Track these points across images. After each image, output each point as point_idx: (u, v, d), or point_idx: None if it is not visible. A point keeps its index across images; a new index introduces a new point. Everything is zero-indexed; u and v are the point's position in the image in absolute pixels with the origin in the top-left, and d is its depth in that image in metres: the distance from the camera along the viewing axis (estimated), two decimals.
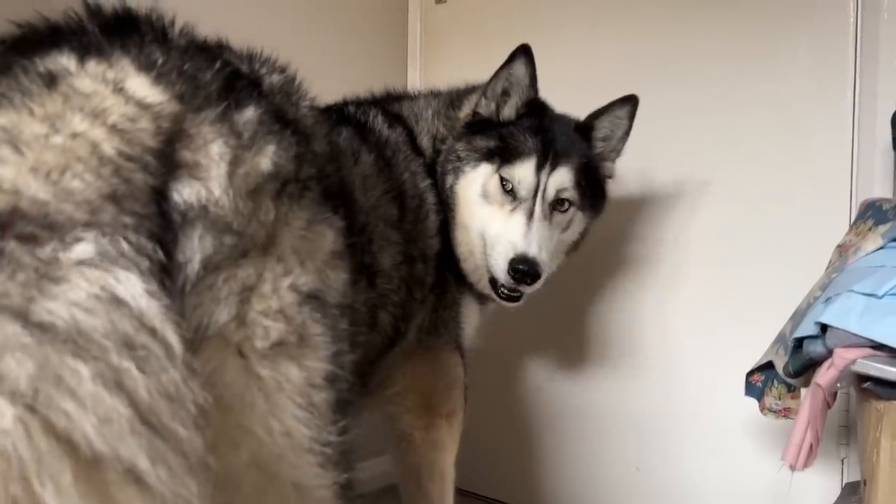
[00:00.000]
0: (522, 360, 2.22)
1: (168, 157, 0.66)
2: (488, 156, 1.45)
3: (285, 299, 0.73)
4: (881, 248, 1.16)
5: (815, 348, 1.15)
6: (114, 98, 0.66)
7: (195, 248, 0.66)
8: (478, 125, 1.48)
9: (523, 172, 1.44)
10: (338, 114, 1.38)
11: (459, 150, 1.46)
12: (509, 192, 1.44)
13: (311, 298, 0.76)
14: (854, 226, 1.35)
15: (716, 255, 1.85)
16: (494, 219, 1.43)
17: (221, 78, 0.75)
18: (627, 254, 2.00)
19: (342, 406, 0.79)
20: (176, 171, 0.66)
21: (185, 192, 0.66)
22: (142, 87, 0.68)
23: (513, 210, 1.43)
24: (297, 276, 0.74)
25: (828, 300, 1.14)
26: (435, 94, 1.58)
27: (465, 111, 1.51)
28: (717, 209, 1.85)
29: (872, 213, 1.30)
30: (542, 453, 2.17)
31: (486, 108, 1.49)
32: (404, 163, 1.35)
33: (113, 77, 0.68)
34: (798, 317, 1.27)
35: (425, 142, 1.48)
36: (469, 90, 1.56)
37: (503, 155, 1.45)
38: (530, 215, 1.42)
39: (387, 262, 1.21)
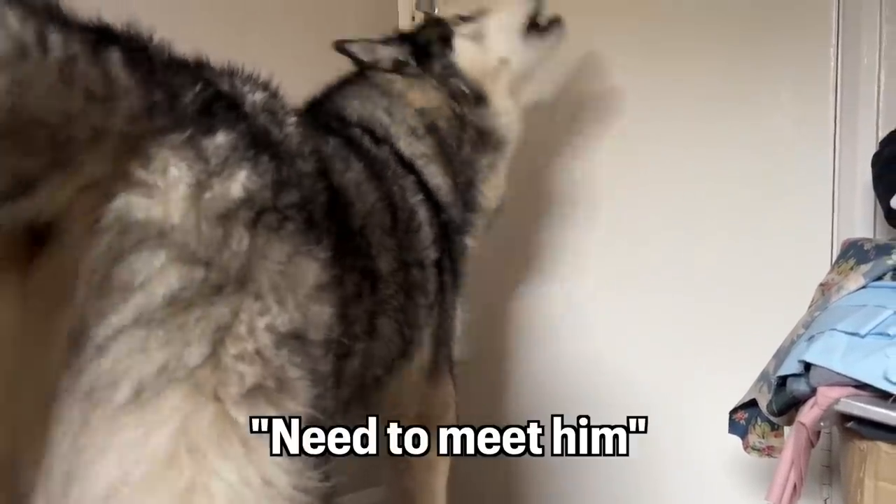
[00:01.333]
0: (503, 402, 2.20)
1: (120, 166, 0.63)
2: (443, 39, 1.52)
3: (262, 341, 0.69)
4: (863, 287, 1.17)
5: (799, 387, 1.15)
6: None
7: (151, 275, 0.63)
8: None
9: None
10: (321, 126, 1.34)
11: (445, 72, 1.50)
12: (466, 20, 1.55)
13: (291, 339, 0.72)
14: (836, 265, 1.36)
15: (697, 293, 1.85)
16: (496, 21, 1.54)
17: (199, 100, 0.72)
18: (604, 292, 2.01)
19: (326, 450, 0.76)
20: (127, 185, 0.63)
21: (135, 207, 0.63)
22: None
23: (482, 15, 1.55)
24: (276, 316, 0.70)
25: (811, 338, 1.15)
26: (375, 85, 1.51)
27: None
28: (697, 247, 1.86)
29: (854, 253, 1.32)
30: (527, 488, 2.15)
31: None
32: (392, 177, 1.34)
33: None
34: (781, 355, 1.27)
35: (406, 150, 1.45)
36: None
37: (441, 27, 1.55)
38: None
39: (384, 268, 1.19)
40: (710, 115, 1.85)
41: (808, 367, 1.12)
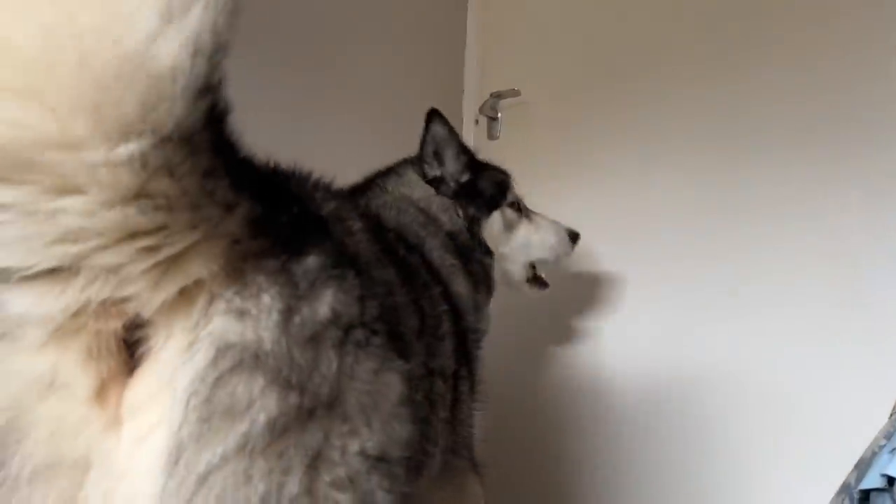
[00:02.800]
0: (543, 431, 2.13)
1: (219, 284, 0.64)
2: (491, 202, 1.63)
3: (353, 466, 0.68)
4: None
5: (884, 502, 1.08)
6: None
7: (253, 400, 0.62)
8: (458, 192, 1.59)
9: (517, 191, 1.70)
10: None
11: (471, 218, 1.59)
12: (516, 209, 1.68)
13: (379, 462, 0.71)
14: None
15: (774, 397, 1.79)
16: (528, 235, 1.69)
17: (294, 220, 0.72)
18: (663, 389, 1.96)
19: None
20: (224, 308, 0.64)
21: (230, 330, 0.63)
22: None
23: (528, 218, 1.71)
24: (365, 439, 0.69)
25: (893, 450, 1.09)
26: (405, 199, 1.58)
27: (445, 190, 1.59)
28: (773, 352, 1.81)
29: None
30: None
31: (436, 170, 1.59)
32: (423, 285, 1.35)
33: None
34: (863, 466, 1.20)
35: (437, 259, 1.50)
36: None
37: (497, 192, 1.64)
38: (532, 213, 1.73)
39: (415, 373, 1.19)
40: (779, 220, 1.84)
41: (891, 481, 1.06)
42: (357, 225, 0.92)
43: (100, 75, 0.51)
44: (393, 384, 0.75)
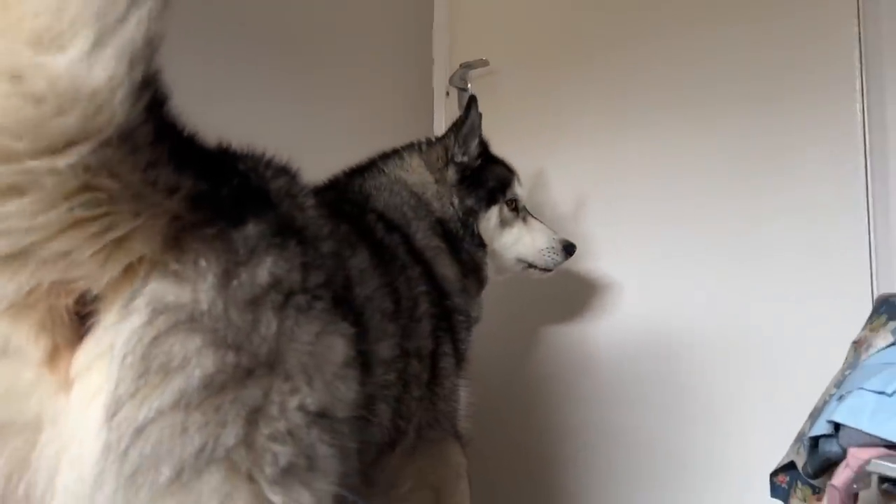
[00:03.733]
0: (539, 426, 2.19)
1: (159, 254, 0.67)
2: (490, 196, 1.67)
3: (293, 421, 0.71)
4: (891, 344, 1.16)
5: (831, 448, 1.13)
6: None
7: (188, 357, 0.65)
8: (462, 179, 1.65)
9: (518, 190, 1.74)
10: (335, 208, 1.41)
11: (467, 209, 1.64)
12: (513, 209, 1.72)
13: (320, 417, 0.74)
14: (869, 321, 1.34)
15: (735, 352, 1.83)
16: (520, 234, 1.74)
17: (235, 192, 0.75)
18: (643, 358, 2.00)
19: None
20: (161, 274, 0.67)
21: (168, 291, 0.66)
22: None
23: (524, 220, 1.75)
24: (305, 395, 0.72)
25: (840, 398, 1.13)
26: (401, 182, 1.63)
27: (449, 176, 1.65)
28: (735, 308, 1.85)
29: (886, 309, 1.30)
30: None
31: (462, 156, 1.66)
32: (401, 268, 1.38)
33: None
34: (815, 415, 1.25)
35: (422, 241, 1.53)
36: (428, 156, 1.67)
37: (497, 187, 1.69)
38: (531, 217, 1.77)
39: (386, 353, 1.21)
40: (742, 177, 1.87)
41: (837, 427, 1.10)
42: (309, 202, 0.94)
43: (37, 94, 0.53)
44: (336, 346, 0.78)
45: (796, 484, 1.34)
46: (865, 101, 1.70)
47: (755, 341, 1.80)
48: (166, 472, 0.64)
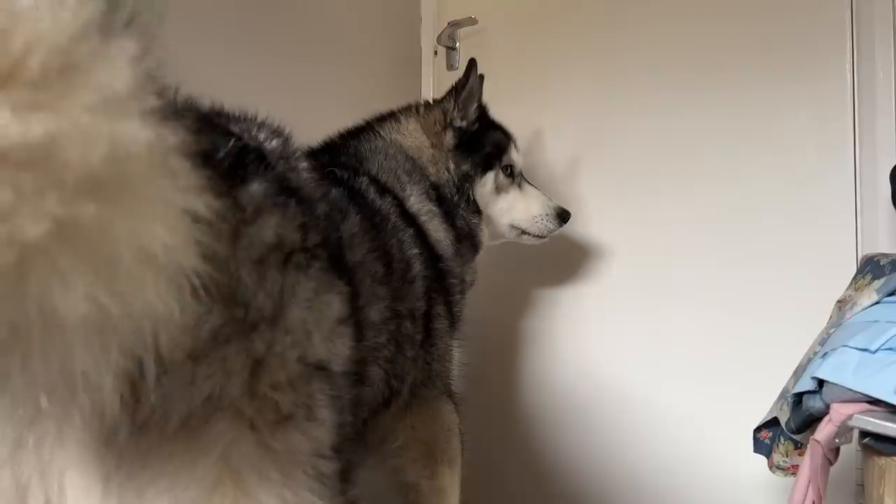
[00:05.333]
0: (521, 426, 2.22)
1: None
2: (486, 162, 1.68)
3: (293, 371, 0.74)
4: (876, 302, 1.17)
5: (814, 404, 1.15)
6: None
7: (197, 315, 0.65)
8: (458, 144, 1.66)
9: (514, 156, 1.75)
10: (327, 174, 1.40)
11: (463, 174, 1.65)
12: (508, 175, 1.73)
13: (318, 370, 0.77)
14: (853, 281, 1.36)
15: (723, 312, 1.86)
16: (514, 201, 1.75)
17: (232, 154, 0.76)
18: (627, 313, 2.02)
19: (349, 474, 0.83)
20: None
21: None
22: None
23: (519, 186, 1.76)
24: (305, 348, 0.76)
25: (825, 355, 1.15)
26: (396, 145, 1.63)
27: (446, 140, 1.65)
28: (722, 269, 1.86)
29: (871, 269, 1.32)
30: None
31: (460, 120, 1.67)
32: (392, 231, 1.40)
33: None
34: (799, 372, 1.27)
35: (415, 205, 1.54)
36: (424, 117, 1.67)
37: (494, 152, 1.70)
38: (527, 183, 1.79)
39: (376, 317, 1.23)
40: (730, 132, 1.87)
41: (821, 383, 1.12)
42: (302, 164, 0.95)
43: None
44: (333, 303, 0.81)
45: (779, 439, 1.37)
46: (855, 64, 1.70)
47: (741, 301, 1.82)
48: (175, 419, 0.67)
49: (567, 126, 2.17)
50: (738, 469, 1.78)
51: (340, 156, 1.55)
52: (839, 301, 1.35)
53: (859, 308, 1.19)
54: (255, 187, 0.76)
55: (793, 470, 1.37)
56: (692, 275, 1.92)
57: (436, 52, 2.44)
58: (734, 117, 1.86)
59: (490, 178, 1.70)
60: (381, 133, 1.62)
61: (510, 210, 1.75)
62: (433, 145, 1.64)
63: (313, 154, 1.50)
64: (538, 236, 1.78)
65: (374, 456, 1.45)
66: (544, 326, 2.21)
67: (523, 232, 1.77)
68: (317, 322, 0.78)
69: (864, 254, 1.45)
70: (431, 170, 1.63)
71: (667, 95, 1.98)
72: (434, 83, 2.46)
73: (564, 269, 2.17)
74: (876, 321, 1.12)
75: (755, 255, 1.82)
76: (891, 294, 1.17)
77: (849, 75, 1.70)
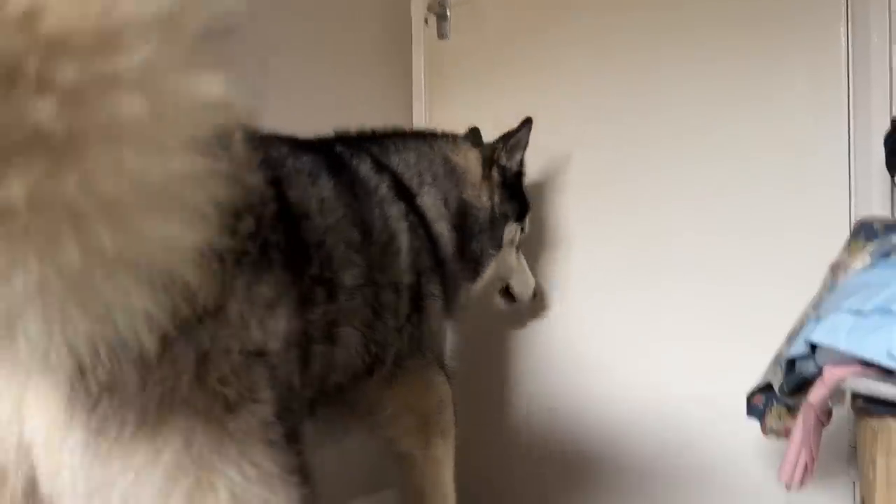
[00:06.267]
0: (516, 399, 2.23)
1: None
2: (518, 214, 1.81)
3: (236, 362, 0.82)
4: (870, 266, 1.18)
5: (807, 367, 1.16)
6: None
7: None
8: (503, 184, 1.78)
9: (526, 225, 1.87)
10: (321, 148, 1.41)
11: (503, 212, 1.78)
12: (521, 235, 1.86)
13: (256, 355, 0.85)
14: (847, 245, 1.36)
15: (715, 278, 1.86)
16: (518, 262, 1.90)
17: None
18: (627, 279, 2.02)
19: (296, 434, 0.91)
20: None
21: None
22: None
23: (517, 250, 1.88)
24: (245, 337, 0.84)
25: (818, 319, 1.16)
26: (442, 156, 1.71)
27: (494, 175, 1.78)
28: (714, 233, 1.86)
29: (865, 232, 1.32)
30: (553, 485, 2.17)
31: (508, 163, 1.80)
32: (378, 203, 1.41)
33: None
34: (792, 336, 1.28)
35: (428, 202, 1.62)
36: (474, 148, 1.79)
37: (523, 210, 1.84)
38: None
39: (348, 281, 1.26)
40: (725, 102, 1.86)
41: (814, 347, 1.13)
42: (237, 134, 0.96)
43: None
44: (263, 291, 0.88)
45: (772, 403, 1.38)
46: (849, 31, 1.68)
47: (736, 268, 1.83)
48: (132, 421, 0.74)
49: (560, 99, 2.15)
50: (732, 433, 1.80)
51: (363, 142, 1.58)
52: (833, 265, 1.35)
53: (852, 271, 1.20)
54: None
55: (786, 433, 1.38)
56: (687, 244, 1.92)
57: (426, 21, 2.41)
58: (729, 87, 1.85)
59: (514, 228, 1.81)
60: (432, 143, 1.72)
61: (511, 266, 1.88)
62: (484, 175, 1.75)
63: (340, 139, 1.55)
64: (513, 300, 1.95)
65: (362, 424, 1.48)
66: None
67: (507, 291, 1.93)
68: (251, 311, 0.86)
69: (858, 218, 1.44)
70: (471, 192, 1.72)
71: (661, 66, 1.96)
72: (425, 53, 2.43)
73: (559, 243, 2.17)
74: (869, 284, 1.12)
75: (750, 221, 1.81)
76: (884, 256, 1.17)
77: (843, 41, 1.69)
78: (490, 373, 2.30)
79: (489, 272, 1.78)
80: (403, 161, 1.61)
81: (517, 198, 1.81)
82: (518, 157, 1.81)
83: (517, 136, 1.80)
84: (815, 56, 1.73)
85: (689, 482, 1.90)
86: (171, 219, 0.56)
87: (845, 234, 1.64)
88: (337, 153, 1.43)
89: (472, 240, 1.72)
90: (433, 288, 1.54)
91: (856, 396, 1.10)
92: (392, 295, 1.41)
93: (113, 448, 0.74)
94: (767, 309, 1.73)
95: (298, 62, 2.04)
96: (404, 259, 1.46)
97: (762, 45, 1.80)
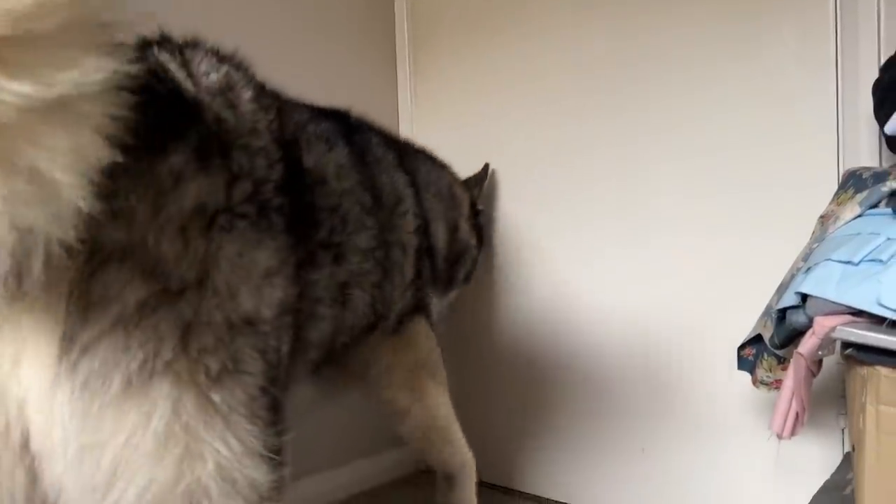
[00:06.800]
0: (521, 347, 2.24)
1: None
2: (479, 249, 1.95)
3: (219, 332, 0.82)
4: (858, 216, 1.18)
5: (798, 318, 1.16)
6: None
7: (122, 287, 0.75)
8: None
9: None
10: (338, 116, 1.44)
11: (477, 243, 1.94)
12: None
13: (244, 325, 0.85)
14: (836, 195, 1.36)
15: (703, 231, 1.86)
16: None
17: (154, 120, 0.75)
18: (617, 235, 2.02)
19: (279, 410, 0.92)
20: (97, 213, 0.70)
21: (102, 231, 0.73)
22: None
23: None
24: (231, 308, 0.83)
25: (808, 270, 1.16)
26: (448, 184, 1.86)
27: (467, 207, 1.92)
28: (703, 186, 1.86)
29: (853, 182, 1.31)
30: (544, 440, 2.19)
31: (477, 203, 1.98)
32: (385, 169, 1.46)
33: None
34: (782, 289, 1.28)
35: (431, 204, 1.71)
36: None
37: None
38: None
39: (362, 243, 1.28)
40: (712, 56, 1.83)
41: (804, 298, 1.13)
42: (246, 94, 0.96)
43: None
44: (259, 259, 0.88)
45: (762, 356, 1.39)
46: None
47: (725, 221, 1.82)
48: (117, 381, 0.76)
49: (546, 53, 2.12)
50: (722, 387, 1.82)
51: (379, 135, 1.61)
52: (822, 216, 1.35)
53: (842, 222, 1.20)
54: (174, 158, 0.79)
55: (776, 385, 1.40)
56: (675, 197, 1.91)
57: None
58: (716, 39, 1.82)
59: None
60: (442, 168, 1.84)
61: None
62: (471, 217, 1.91)
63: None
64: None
65: (360, 383, 1.54)
66: (526, 257, 2.21)
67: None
68: (243, 279, 0.85)
69: (847, 168, 1.44)
70: (462, 224, 1.85)
71: (649, 21, 1.93)
72: (406, 9, 2.40)
73: (548, 201, 2.16)
74: (859, 233, 1.12)
75: (738, 174, 1.81)
76: (873, 206, 1.17)
77: None
78: (478, 310, 2.31)
79: (450, 298, 1.89)
80: (416, 166, 1.67)
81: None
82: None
83: (486, 182, 2.01)
84: (804, 6, 1.71)
85: (680, 435, 1.92)
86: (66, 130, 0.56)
87: (834, 185, 1.65)
88: (352, 122, 1.48)
89: (456, 263, 1.83)
90: (426, 261, 1.61)
91: (846, 345, 1.10)
92: (400, 254, 1.46)
93: (103, 408, 0.76)
94: (757, 262, 1.74)
95: (276, 24, 2.01)
96: (410, 221, 1.51)
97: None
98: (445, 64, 2.38)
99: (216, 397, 0.82)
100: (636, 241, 1.98)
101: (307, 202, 1.11)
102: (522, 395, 2.25)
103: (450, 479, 1.68)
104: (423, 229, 1.59)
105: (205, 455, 0.81)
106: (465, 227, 1.86)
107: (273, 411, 0.89)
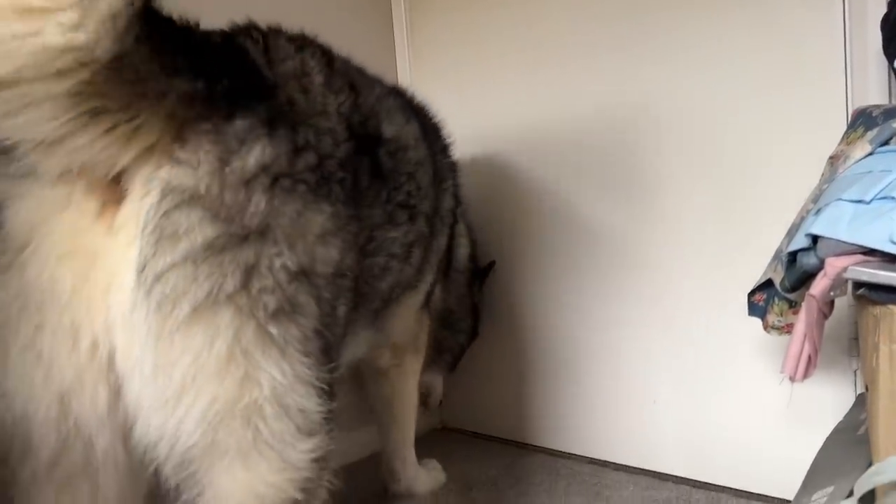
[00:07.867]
0: (530, 298, 2.24)
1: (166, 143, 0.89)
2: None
3: (278, 277, 0.94)
4: (869, 154, 1.15)
5: (809, 260, 1.15)
6: None
7: (191, 226, 0.88)
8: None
9: None
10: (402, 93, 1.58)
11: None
12: None
13: (301, 274, 0.97)
14: (845, 135, 1.33)
15: (711, 174, 1.84)
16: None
17: (229, 89, 0.92)
18: (623, 185, 2.00)
19: (331, 352, 1.05)
20: (170, 160, 0.89)
21: (175, 176, 0.89)
22: None
23: None
24: (288, 257, 0.95)
25: (818, 211, 1.14)
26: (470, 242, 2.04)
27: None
28: (711, 128, 1.83)
29: (863, 121, 1.28)
30: (556, 392, 2.20)
31: None
32: (441, 150, 1.67)
33: None
34: (793, 231, 1.26)
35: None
36: None
37: None
38: None
39: (425, 208, 1.44)
40: (717, 5, 1.79)
41: (815, 239, 1.11)
42: (318, 79, 1.10)
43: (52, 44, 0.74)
44: (315, 220, 1.00)
45: (773, 300, 1.38)
46: None
47: (732, 164, 1.80)
48: (186, 307, 0.88)
49: (545, 12, 2.08)
50: (733, 333, 1.81)
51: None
52: (831, 157, 1.33)
53: (852, 161, 1.17)
54: (239, 123, 0.92)
55: (787, 329, 1.39)
56: (681, 141, 1.89)
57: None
58: None
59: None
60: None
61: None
62: (473, 287, 2.09)
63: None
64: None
65: (370, 331, 1.60)
66: (530, 222, 2.20)
67: None
68: (300, 235, 0.97)
69: (856, 107, 1.41)
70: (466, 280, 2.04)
71: None
72: None
73: (550, 161, 2.14)
74: (870, 171, 1.10)
75: (744, 115, 1.78)
76: (884, 144, 1.14)
77: None
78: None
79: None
80: (452, 151, 1.79)
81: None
82: None
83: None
84: None
85: (691, 382, 1.93)
86: None
87: (842, 125, 1.62)
88: (415, 103, 1.63)
89: (462, 294, 2.00)
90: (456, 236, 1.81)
91: (858, 285, 1.09)
92: (440, 223, 1.63)
93: (173, 330, 0.88)
94: (766, 206, 1.72)
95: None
96: (448, 199, 1.68)
97: None
98: (442, 26, 2.33)
99: (273, 330, 0.93)
100: (643, 187, 1.96)
101: (389, 167, 1.25)
102: (532, 348, 2.25)
103: (392, 474, 1.90)
104: (455, 211, 1.74)
105: (261, 380, 0.92)
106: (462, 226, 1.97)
107: (325, 352, 1.01)
